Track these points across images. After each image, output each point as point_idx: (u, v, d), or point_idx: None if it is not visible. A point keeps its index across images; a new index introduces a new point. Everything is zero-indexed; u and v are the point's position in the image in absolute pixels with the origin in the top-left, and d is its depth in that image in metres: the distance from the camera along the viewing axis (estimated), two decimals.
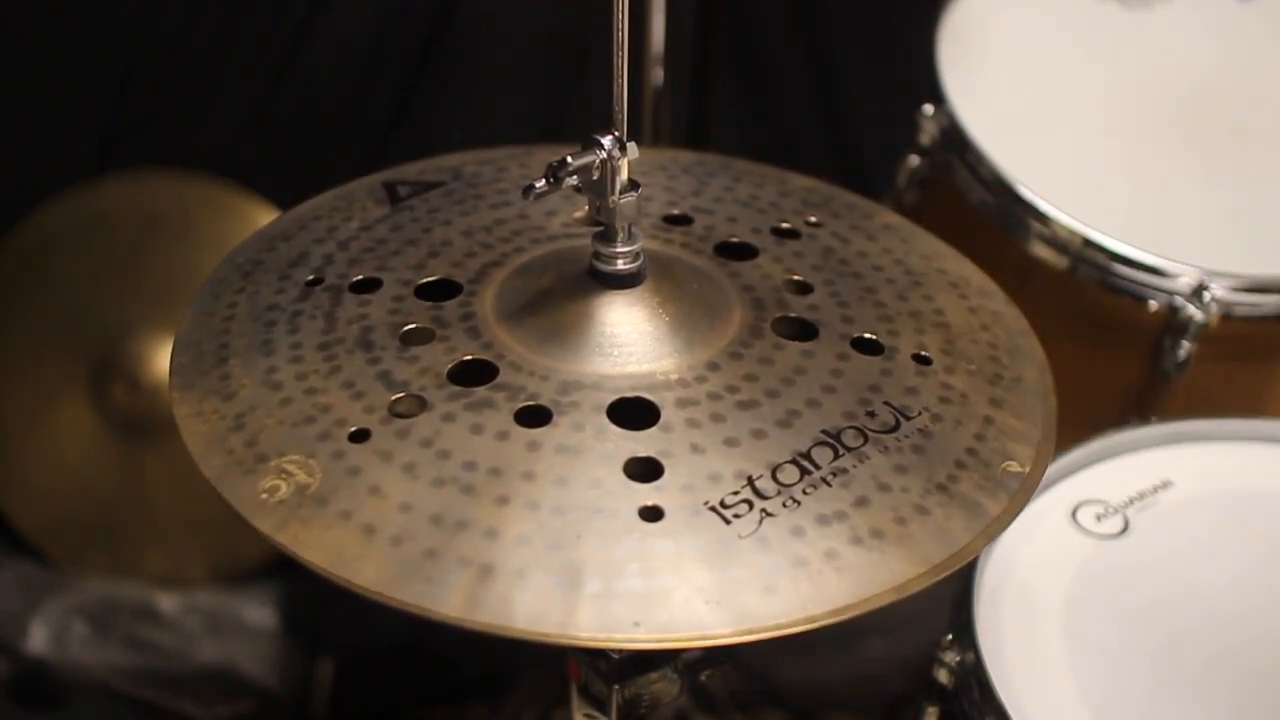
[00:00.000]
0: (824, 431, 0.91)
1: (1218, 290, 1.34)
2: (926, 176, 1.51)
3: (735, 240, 1.08)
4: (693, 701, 1.64)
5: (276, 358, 0.96)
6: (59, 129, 1.92)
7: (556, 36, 1.92)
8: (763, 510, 0.86)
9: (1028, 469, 0.94)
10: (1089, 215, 1.38)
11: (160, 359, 1.85)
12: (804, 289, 1.03)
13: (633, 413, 0.91)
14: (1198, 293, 1.34)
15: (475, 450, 0.88)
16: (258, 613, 1.90)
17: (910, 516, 0.88)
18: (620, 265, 0.97)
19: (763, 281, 1.03)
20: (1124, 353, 1.43)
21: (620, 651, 1.02)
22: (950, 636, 1.13)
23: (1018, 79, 1.54)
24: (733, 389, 0.93)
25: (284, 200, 1.15)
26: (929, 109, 1.47)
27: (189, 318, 1.00)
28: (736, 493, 0.87)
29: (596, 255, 0.97)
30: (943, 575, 0.86)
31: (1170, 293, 1.36)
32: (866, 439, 0.92)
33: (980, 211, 1.43)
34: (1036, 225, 1.39)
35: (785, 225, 1.10)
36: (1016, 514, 0.91)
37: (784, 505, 0.87)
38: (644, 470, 0.88)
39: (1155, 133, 1.50)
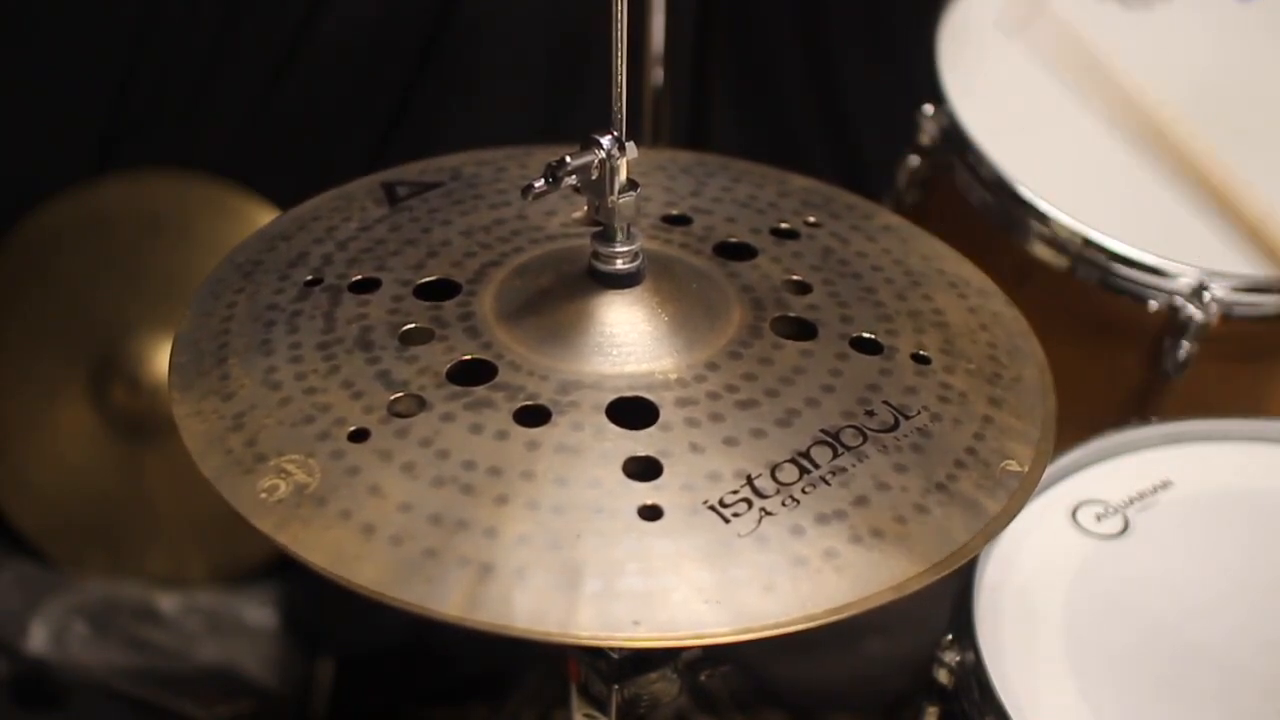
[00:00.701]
0: (823, 431, 0.91)
1: (1218, 290, 1.34)
2: (926, 177, 1.51)
3: (734, 240, 1.08)
4: (693, 701, 1.63)
5: (276, 357, 0.96)
6: (59, 129, 1.92)
7: (556, 36, 1.92)
8: (762, 509, 0.86)
9: (1027, 468, 0.94)
10: (1089, 215, 1.38)
11: (160, 359, 1.85)
12: (803, 289, 1.03)
13: (632, 412, 0.91)
14: (1198, 293, 1.34)
15: (474, 450, 0.88)
16: (258, 613, 1.90)
17: (910, 516, 0.88)
18: (619, 265, 0.97)
19: (762, 281, 1.03)
20: (1124, 353, 1.43)
21: (620, 651, 1.02)
22: (950, 636, 1.13)
23: (1018, 79, 1.54)
24: (732, 388, 0.93)
25: (284, 200, 1.15)
26: (929, 109, 1.47)
27: (188, 318, 1.00)
28: (736, 492, 0.87)
29: (595, 255, 0.97)
30: (942, 574, 0.86)
31: (1170, 293, 1.36)
32: (866, 438, 0.92)
33: (980, 211, 1.43)
34: (1036, 225, 1.39)
35: (784, 225, 1.10)
36: (1016, 513, 0.91)
37: (783, 504, 0.87)
38: (643, 469, 0.88)
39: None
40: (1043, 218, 1.39)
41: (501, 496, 0.86)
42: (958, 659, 1.12)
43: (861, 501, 0.88)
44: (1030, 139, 1.46)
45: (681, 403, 0.92)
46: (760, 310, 1.00)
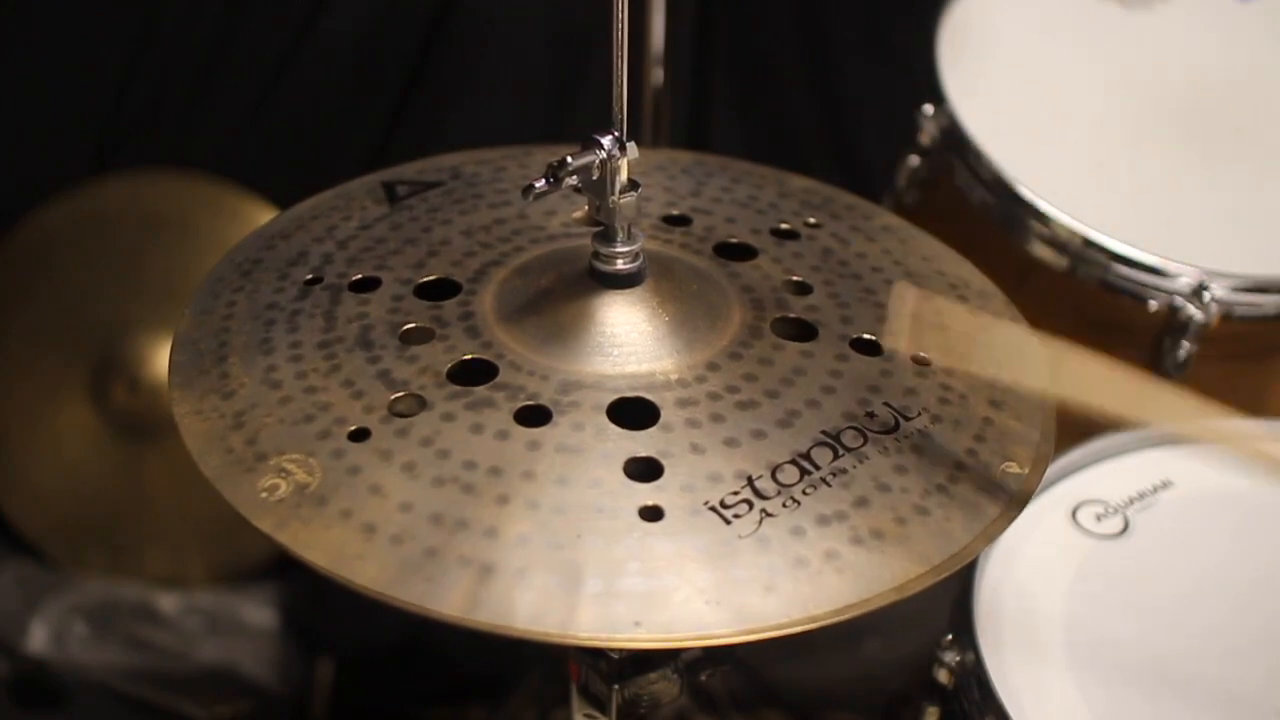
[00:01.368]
0: (824, 432, 0.91)
1: (1218, 290, 1.34)
2: (926, 177, 1.51)
3: (734, 241, 1.08)
4: (693, 701, 1.63)
5: (276, 356, 0.96)
6: (59, 129, 1.92)
7: (556, 36, 1.91)
8: (763, 510, 0.86)
9: (1027, 470, 0.94)
10: (1089, 215, 1.38)
11: (160, 359, 1.85)
12: (803, 289, 1.03)
13: (632, 412, 0.91)
14: (1198, 293, 1.34)
15: (475, 449, 0.88)
16: (258, 613, 1.90)
17: (910, 517, 0.88)
18: (620, 265, 0.97)
19: (762, 282, 1.03)
20: (1124, 353, 1.43)
21: (620, 651, 1.02)
22: (950, 636, 1.13)
23: (1018, 79, 1.54)
24: (732, 389, 0.93)
25: (284, 200, 1.15)
26: (929, 109, 1.47)
27: (188, 317, 1.00)
28: (736, 493, 0.87)
29: (596, 255, 0.97)
30: (943, 575, 0.87)
31: (1170, 293, 1.36)
32: (866, 439, 0.92)
33: (980, 211, 1.43)
34: (1036, 225, 1.39)
35: (784, 226, 1.10)
36: (1016, 515, 0.91)
37: (784, 505, 0.87)
38: (644, 470, 0.88)
39: (1155, 133, 1.50)
40: (1043, 218, 1.39)
41: (502, 496, 0.86)
42: (958, 659, 1.12)
43: (862, 503, 0.88)
44: (1030, 139, 1.46)
45: (682, 403, 0.92)
46: (760, 311, 1.00)
